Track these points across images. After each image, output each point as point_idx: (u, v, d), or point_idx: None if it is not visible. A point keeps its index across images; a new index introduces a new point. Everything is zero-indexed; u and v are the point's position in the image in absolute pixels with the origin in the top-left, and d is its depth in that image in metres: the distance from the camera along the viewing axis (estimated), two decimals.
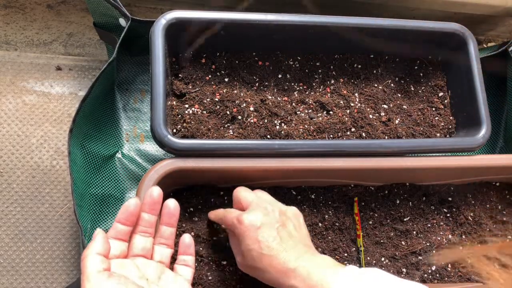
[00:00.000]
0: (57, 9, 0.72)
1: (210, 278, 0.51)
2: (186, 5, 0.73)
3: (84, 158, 0.56)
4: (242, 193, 0.49)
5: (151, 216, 0.44)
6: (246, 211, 0.47)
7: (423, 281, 0.58)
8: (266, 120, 0.57)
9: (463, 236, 0.61)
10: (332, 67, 0.62)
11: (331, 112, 0.59)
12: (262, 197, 0.49)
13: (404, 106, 0.63)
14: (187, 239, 0.48)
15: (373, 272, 0.41)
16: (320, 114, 0.60)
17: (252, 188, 0.56)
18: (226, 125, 0.56)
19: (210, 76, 0.58)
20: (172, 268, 0.46)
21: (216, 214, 0.51)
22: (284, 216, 0.47)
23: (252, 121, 0.57)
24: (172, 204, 0.46)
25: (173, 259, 0.48)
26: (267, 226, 0.45)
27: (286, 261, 0.42)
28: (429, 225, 0.60)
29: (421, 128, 0.62)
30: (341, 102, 0.60)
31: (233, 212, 0.47)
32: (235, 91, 0.58)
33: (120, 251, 0.42)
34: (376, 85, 0.63)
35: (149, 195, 0.44)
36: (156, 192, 0.44)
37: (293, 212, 0.49)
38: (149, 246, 0.44)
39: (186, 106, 0.56)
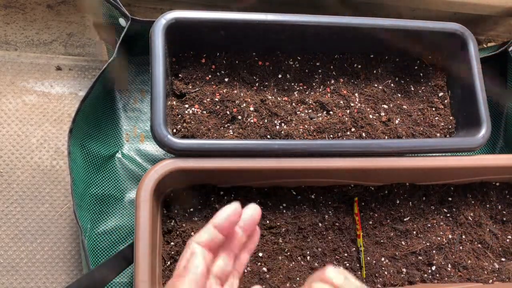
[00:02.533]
0: (57, 9, 0.72)
1: None
2: (186, 5, 0.73)
3: (84, 158, 0.56)
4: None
5: (244, 236, 0.36)
6: None
7: (423, 281, 0.58)
8: (266, 120, 0.57)
9: (463, 236, 0.61)
10: (332, 67, 0.62)
11: (331, 112, 0.59)
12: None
13: (404, 106, 0.63)
14: None
15: None
16: (320, 114, 0.60)
17: (252, 188, 0.56)
18: (226, 125, 0.56)
19: (210, 76, 0.58)
20: None
21: None
22: None
23: (252, 121, 0.57)
24: (258, 233, 0.39)
25: None
26: None
27: None
28: (429, 225, 0.60)
29: (421, 128, 0.62)
30: (341, 102, 0.60)
31: None
32: (235, 91, 0.58)
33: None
34: (376, 85, 0.63)
35: (250, 214, 0.36)
36: (258, 213, 0.37)
37: None
38: (228, 271, 0.36)
39: (186, 106, 0.56)
